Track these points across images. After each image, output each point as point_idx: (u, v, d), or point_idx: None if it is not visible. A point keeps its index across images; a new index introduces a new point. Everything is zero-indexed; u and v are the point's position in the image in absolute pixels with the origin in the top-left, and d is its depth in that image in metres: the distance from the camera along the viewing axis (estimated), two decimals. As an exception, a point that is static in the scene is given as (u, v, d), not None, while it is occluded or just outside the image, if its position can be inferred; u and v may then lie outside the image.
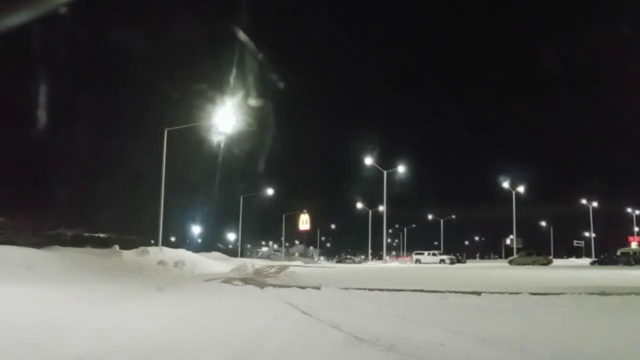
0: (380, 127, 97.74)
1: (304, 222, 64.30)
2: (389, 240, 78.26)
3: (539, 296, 8.88)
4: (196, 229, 54.66)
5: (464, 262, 48.17)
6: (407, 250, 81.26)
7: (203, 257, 27.31)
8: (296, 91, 58.31)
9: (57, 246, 20.75)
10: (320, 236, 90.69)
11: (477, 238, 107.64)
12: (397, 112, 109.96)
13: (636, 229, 64.31)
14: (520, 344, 4.68)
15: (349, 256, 65.84)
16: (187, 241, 53.44)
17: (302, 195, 78.49)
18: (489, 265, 40.24)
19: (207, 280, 15.07)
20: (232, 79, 23.77)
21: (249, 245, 78.75)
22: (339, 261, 60.08)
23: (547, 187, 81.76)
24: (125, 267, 17.66)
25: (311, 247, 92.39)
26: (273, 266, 28.32)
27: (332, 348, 4.73)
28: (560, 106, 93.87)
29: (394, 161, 48.04)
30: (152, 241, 28.36)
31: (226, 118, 25.28)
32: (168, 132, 25.09)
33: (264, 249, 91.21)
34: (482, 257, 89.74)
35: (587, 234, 70.35)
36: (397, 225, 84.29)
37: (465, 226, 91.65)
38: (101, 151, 42.29)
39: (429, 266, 36.24)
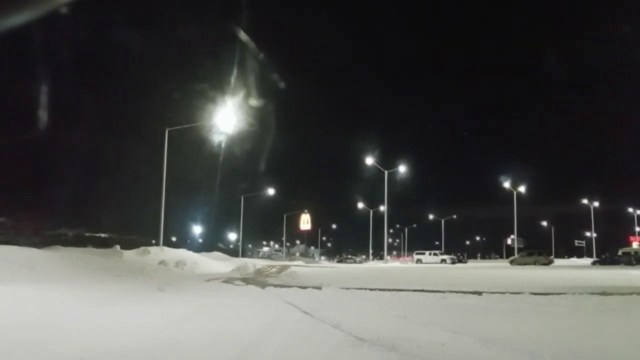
0: (381, 127, 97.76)
1: (305, 222, 64.30)
2: (390, 240, 78.20)
3: (540, 296, 8.86)
4: (197, 229, 54.76)
5: (465, 262, 48.12)
6: (408, 250, 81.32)
7: (204, 257, 27.31)
8: (297, 91, 58.27)
9: (59, 246, 20.79)
10: (321, 236, 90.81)
11: (478, 238, 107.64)
12: (398, 112, 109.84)
13: (637, 228, 64.16)
14: (522, 344, 4.68)
15: (349, 256, 65.86)
16: (188, 241, 53.60)
17: (303, 195, 78.54)
18: (490, 265, 40.25)
19: (208, 280, 15.07)
20: (232, 79, 23.84)
21: (250, 245, 78.89)
22: (339, 261, 60.05)
23: (548, 187, 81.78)
24: (126, 267, 17.67)
25: (312, 247, 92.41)
26: (274, 266, 28.32)
27: (333, 348, 4.72)
28: (561, 106, 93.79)
29: (395, 161, 48.12)
30: (153, 241, 28.40)
31: (227, 118, 25.33)
32: (169, 132, 25.12)
33: (265, 248, 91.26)
34: (483, 257, 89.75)
35: (588, 233, 70.37)
36: (398, 225, 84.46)
37: (466, 226, 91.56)
38: (102, 151, 42.41)
39: (430, 266, 36.20)
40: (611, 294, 9.22)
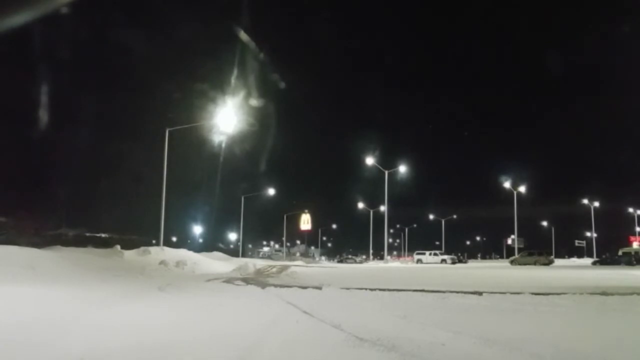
0: (382, 127, 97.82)
1: (305, 222, 64.32)
2: (390, 240, 78.29)
3: (541, 296, 8.86)
4: (197, 229, 54.84)
5: (465, 262, 48.14)
6: (408, 250, 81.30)
7: (204, 257, 27.31)
8: (297, 91, 58.47)
9: (59, 246, 20.80)
10: (322, 236, 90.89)
11: (478, 238, 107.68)
12: (398, 112, 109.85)
13: (638, 228, 64.11)
14: (522, 344, 4.67)
15: (350, 256, 65.90)
16: (189, 241, 53.69)
17: (304, 195, 78.79)
18: (490, 265, 40.26)
19: (208, 280, 15.07)
20: (233, 79, 23.83)
21: (250, 245, 78.94)
22: (340, 261, 60.05)
23: (549, 187, 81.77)
24: (127, 267, 17.67)
25: (312, 247, 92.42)
26: (274, 266, 28.30)
27: (333, 348, 4.72)
28: (562, 106, 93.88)
29: (395, 161, 48.10)
30: (154, 241, 28.41)
31: (227, 118, 25.32)
32: (169, 132, 25.12)
33: (265, 248, 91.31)
34: (483, 257, 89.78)
35: (588, 234, 70.34)
36: (398, 225, 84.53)
37: (467, 226, 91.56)
38: (102, 151, 42.45)
39: (431, 266, 36.21)
40: (611, 294, 9.22)
